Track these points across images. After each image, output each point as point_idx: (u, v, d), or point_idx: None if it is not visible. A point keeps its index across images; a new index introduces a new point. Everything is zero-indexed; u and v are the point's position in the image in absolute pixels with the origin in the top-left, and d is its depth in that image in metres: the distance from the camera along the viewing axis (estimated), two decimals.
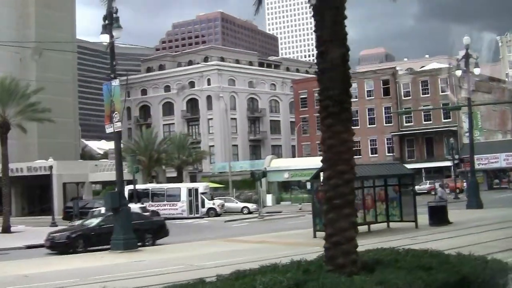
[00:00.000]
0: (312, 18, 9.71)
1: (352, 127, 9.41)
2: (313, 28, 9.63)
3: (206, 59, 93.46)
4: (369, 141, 78.90)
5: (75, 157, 77.64)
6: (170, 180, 72.56)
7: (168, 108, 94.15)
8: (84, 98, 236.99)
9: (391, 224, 27.31)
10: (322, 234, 24.31)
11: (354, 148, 9.68)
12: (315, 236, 24.81)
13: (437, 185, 57.52)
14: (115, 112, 23.53)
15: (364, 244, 19.45)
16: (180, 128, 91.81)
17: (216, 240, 28.01)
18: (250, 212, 50.15)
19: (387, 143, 77.94)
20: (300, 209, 52.06)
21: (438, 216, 26.81)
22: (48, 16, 73.90)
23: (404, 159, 76.62)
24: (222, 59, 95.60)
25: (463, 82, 77.93)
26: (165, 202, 49.43)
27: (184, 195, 48.89)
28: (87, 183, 66.72)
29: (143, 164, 60.45)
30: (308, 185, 61.75)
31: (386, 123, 77.97)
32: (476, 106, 78.36)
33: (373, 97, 78.01)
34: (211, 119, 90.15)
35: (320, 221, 24.76)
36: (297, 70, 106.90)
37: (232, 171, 63.21)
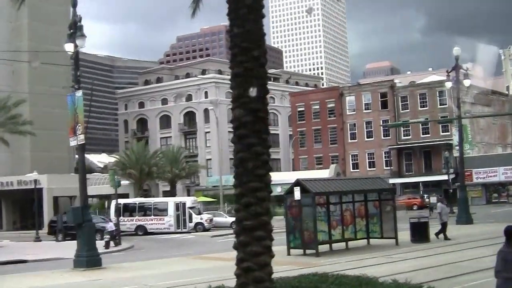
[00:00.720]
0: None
1: (267, 140, 8.38)
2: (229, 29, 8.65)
3: (203, 72, 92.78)
4: (366, 154, 77.81)
5: (69, 170, 76.66)
6: (166, 194, 71.63)
7: (165, 121, 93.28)
8: (85, 111, 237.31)
9: (372, 241, 26.22)
10: (297, 251, 23.11)
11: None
12: (289, 254, 23.73)
13: (432, 199, 56.55)
14: (79, 124, 22.63)
15: (329, 263, 18.51)
16: (178, 141, 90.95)
17: (189, 257, 26.96)
18: None
19: (385, 157, 76.72)
20: None
21: (420, 232, 25.67)
22: (41, 29, 73.40)
23: (402, 172, 75.56)
24: (220, 72, 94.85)
25: (462, 95, 77.13)
26: (152, 217, 48.35)
27: (171, 210, 47.78)
28: (79, 197, 65.56)
29: (134, 178, 59.50)
30: None
31: (384, 136, 76.78)
32: (470, 118, 77.23)
33: (371, 110, 76.92)
34: (208, 132, 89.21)
35: (294, 238, 23.77)
36: (296, 83, 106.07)
37: (225, 185, 62.00)
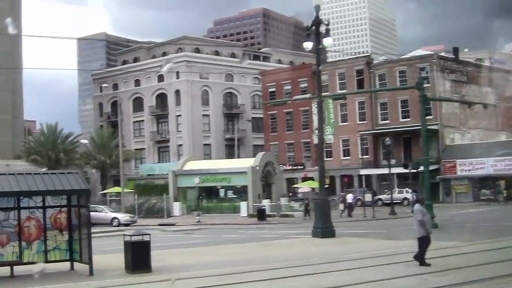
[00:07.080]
0: None
1: None
2: None
3: (179, 51, 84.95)
4: (341, 141, 67.83)
5: (13, 156, 70.66)
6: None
7: (138, 104, 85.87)
8: None
9: (77, 265, 17.61)
10: None
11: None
12: None
13: (367, 196, 46.93)
14: None
15: None
16: (149, 125, 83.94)
17: None
18: (120, 225, 41.23)
19: (361, 144, 66.61)
20: (198, 221, 42.78)
21: (137, 257, 16.77)
22: None
23: (379, 162, 65.35)
24: (198, 50, 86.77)
25: (447, 72, 65.85)
26: None
27: None
28: None
29: (43, 165, 52.34)
30: (221, 192, 51.94)
31: (359, 121, 66.72)
32: (464, 102, 66.06)
33: (345, 90, 66.78)
34: (180, 115, 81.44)
35: None
36: (291, 63, 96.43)
37: (153, 174, 54.14)
